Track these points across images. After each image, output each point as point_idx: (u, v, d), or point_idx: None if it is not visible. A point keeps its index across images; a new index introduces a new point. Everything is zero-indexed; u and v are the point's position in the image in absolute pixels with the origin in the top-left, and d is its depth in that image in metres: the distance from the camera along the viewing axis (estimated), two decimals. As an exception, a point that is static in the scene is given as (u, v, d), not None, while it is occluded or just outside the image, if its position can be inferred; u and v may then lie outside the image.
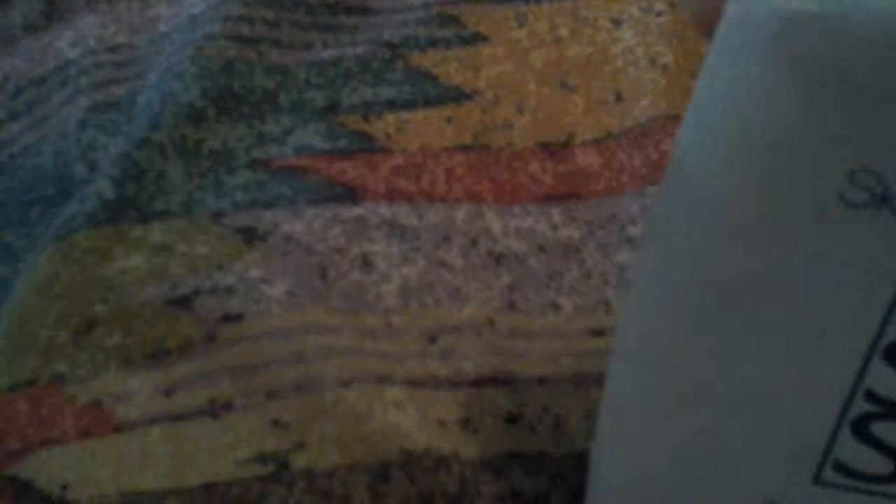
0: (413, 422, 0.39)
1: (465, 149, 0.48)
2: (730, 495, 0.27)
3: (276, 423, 0.39)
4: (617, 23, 0.54)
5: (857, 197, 0.20)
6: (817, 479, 0.26)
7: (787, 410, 0.25)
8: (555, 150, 0.49)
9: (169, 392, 0.40)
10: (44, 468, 0.38)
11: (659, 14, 0.54)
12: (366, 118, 0.49)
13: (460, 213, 0.46)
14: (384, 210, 0.45)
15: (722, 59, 0.23)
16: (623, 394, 0.30)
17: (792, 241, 0.22)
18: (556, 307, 0.43)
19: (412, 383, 0.40)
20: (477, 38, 0.53)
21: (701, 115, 0.24)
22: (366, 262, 0.44)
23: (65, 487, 0.38)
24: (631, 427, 0.30)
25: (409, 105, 0.50)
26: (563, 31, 0.53)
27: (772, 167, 0.22)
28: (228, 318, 0.42)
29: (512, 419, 0.40)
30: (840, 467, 0.25)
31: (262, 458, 0.38)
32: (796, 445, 0.25)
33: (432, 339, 0.42)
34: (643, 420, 0.28)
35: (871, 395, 0.24)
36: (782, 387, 0.25)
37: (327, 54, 0.51)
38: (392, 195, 0.46)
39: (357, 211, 0.45)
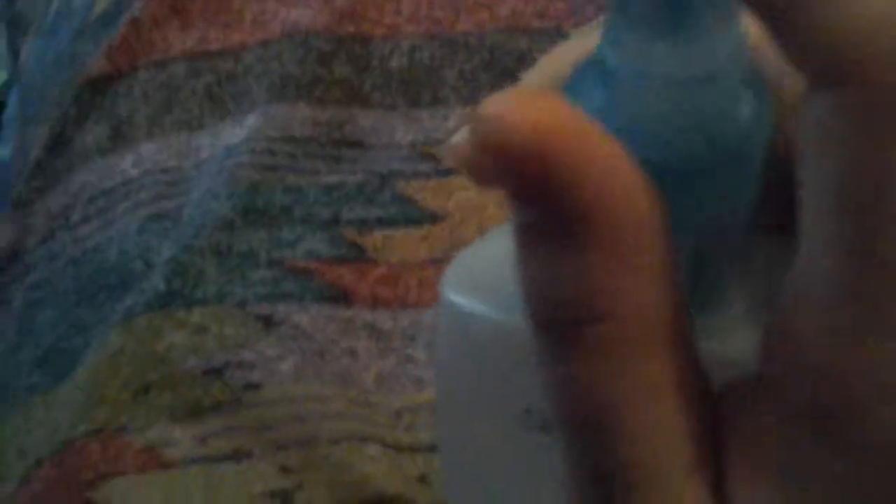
0: (385, 474, 0.53)
1: (436, 262, 0.62)
2: None
3: (283, 468, 0.53)
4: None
5: (531, 426, 0.24)
6: None
7: None
8: None
9: (203, 440, 0.54)
10: (112, 493, 0.52)
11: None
12: (360, 232, 0.62)
13: (427, 317, 0.59)
14: (368, 315, 0.59)
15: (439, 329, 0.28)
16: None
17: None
18: None
19: (385, 445, 0.54)
20: (451, 171, 0.66)
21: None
22: (352, 353, 0.57)
23: None
24: None
25: (394, 223, 0.63)
26: None
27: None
28: (250, 386, 0.55)
29: None
30: None
31: (272, 494, 0.52)
32: None
33: (398, 415, 0.55)
34: None
35: None
36: None
37: (332, 179, 0.65)
38: (375, 301, 0.59)
39: (348, 313, 0.59)
